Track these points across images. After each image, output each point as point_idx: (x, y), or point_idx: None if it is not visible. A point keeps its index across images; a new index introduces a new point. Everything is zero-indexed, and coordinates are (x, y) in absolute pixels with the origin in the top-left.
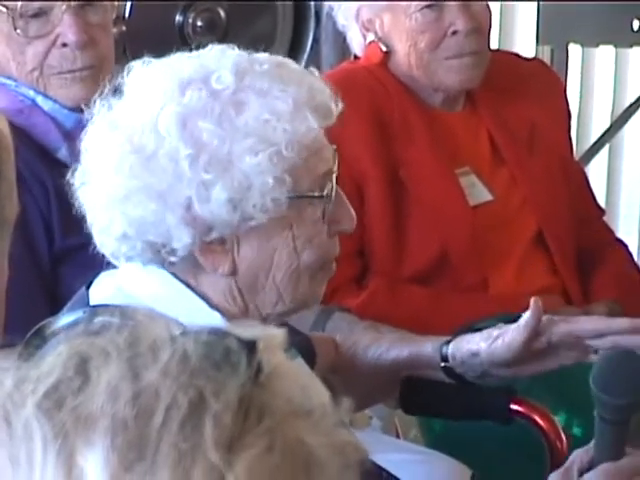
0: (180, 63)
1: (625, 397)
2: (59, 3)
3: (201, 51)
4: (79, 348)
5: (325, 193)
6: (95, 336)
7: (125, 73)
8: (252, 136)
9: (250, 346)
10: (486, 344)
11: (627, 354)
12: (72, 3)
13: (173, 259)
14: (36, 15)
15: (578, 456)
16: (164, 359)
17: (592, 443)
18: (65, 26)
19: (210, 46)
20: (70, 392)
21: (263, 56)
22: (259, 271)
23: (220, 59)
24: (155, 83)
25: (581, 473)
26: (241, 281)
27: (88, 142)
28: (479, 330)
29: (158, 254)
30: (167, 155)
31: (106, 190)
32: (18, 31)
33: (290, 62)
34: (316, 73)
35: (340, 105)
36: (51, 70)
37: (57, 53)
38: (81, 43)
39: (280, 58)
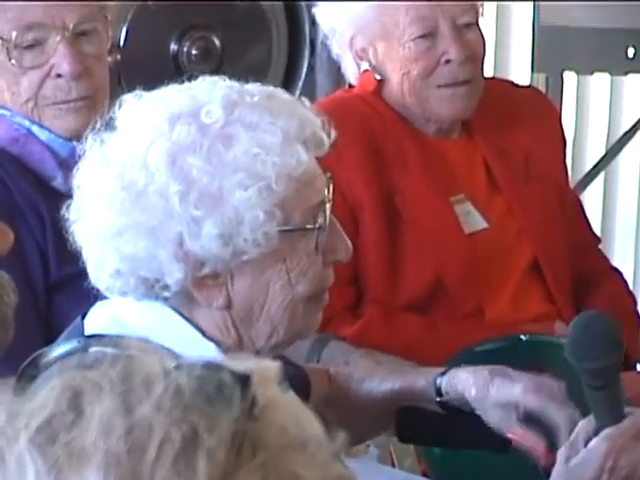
0: (171, 97)
1: (603, 358)
2: (54, 34)
3: (193, 83)
4: (72, 382)
5: (318, 224)
6: (88, 370)
7: (117, 107)
8: (241, 171)
9: (244, 380)
10: (476, 391)
11: (592, 318)
12: (67, 34)
13: (167, 294)
14: (31, 46)
15: (582, 427)
16: (157, 393)
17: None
18: (60, 57)
19: (201, 78)
20: (63, 427)
21: (254, 87)
22: (253, 304)
23: (211, 92)
24: (146, 117)
25: (586, 443)
26: (235, 314)
27: (80, 178)
28: (476, 355)
29: (152, 289)
30: (157, 192)
31: (98, 226)
32: (13, 61)
33: (281, 92)
34: (307, 103)
35: (333, 134)
36: (45, 101)
37: (51, 84)
38: (76, 74)
39: (271, 89)
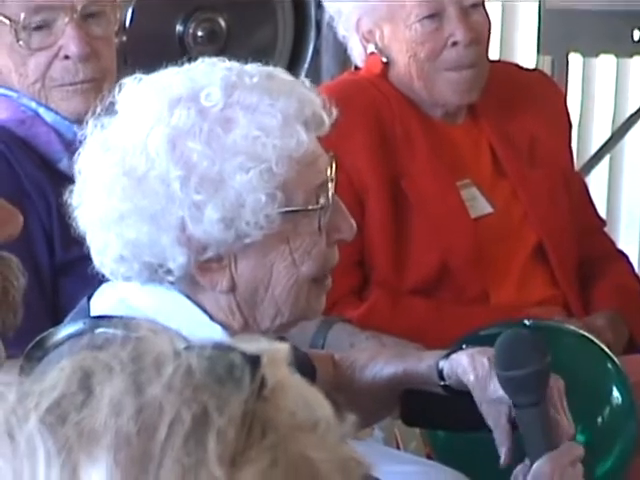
0: (170, 80)
1: (528, 365)
2: (62, 15)
3: (192, 65)
4: (82, 363)
5: (320, 204)
6: (98, 350)
7: (117, 91)
8: (242, 154)
9: (254, 361)
10: (474, 379)
11: (515, 332)
12: (75, 15)
13: (171, 278)
14: (39, 27)
15: (519, 469)
16: (168, 374)
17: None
18: (68, 38)
19: (200, 59)
20: (73, 407)
21: (253, 68)
22: (258, 286)
23: (210, 74)
24: (145, 102)
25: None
26: (240, 296)
27: (82, 163)
28: (481, 340)
29: (155, 274)
30: (158, 177)
31: (100, 212)
32: (21, 43)
33: (280, 72)
34: (307, 83)
35: (334, 113)
36: (53, 82)
37: (59, 65)
38: (83, 56)
39: (270, 69)
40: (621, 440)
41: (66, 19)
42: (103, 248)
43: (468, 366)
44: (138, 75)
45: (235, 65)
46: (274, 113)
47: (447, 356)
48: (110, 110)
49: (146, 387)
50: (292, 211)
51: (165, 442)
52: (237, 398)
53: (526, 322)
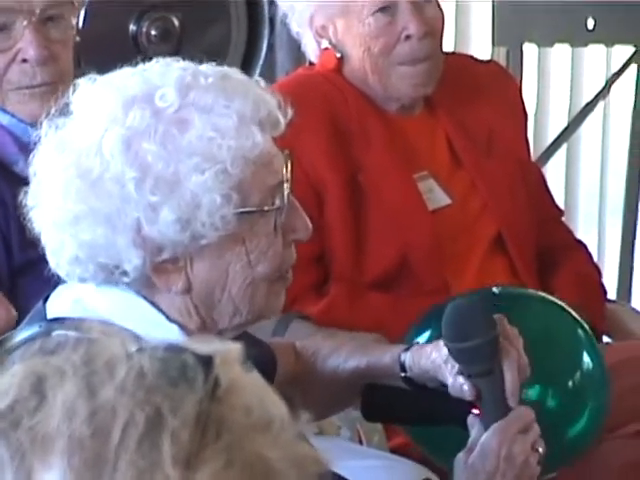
0: (124, 80)
1: (477, 335)
2: (21, 18)
3: (146, 65)
4: (35, 368)
5: (276, 205)
6: (51, 355)
7: (71, 91)
8: (197, 155)
9: (206, 361)
10: (447, 371)
11: (460, 302)
12: (34, 19)
13: (126, 280)
14: None
15: (475, 433)
16: (120, 376)
17: None
18: (26, 42)
19: (155, 59)
20: (26, 412)
21: (208, 68)
22: (214, 286)
23: (164, 74)
24: (100, 102)
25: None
26: (196, 297)
27: (37, 164)
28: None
29: (111, 275)
30: (113, 179)
31: (55, 214)
32: None
33: (235, 73)
34: (262, 83)
35: (289, 112)
36: (10, 85)
37: (17, 68)
38: (41, 59)
39: (225, 69)
40: (592, 404)
41: (24, 22)
42: (58, 249)
43: (430, 352)
44: (92, 75)
45: (190, 65)
46: (229, 114)
47: (408, 349)
48: (65, 111)
49: (99, 390)
50: (248, 212)
51: (119, 445)
52: (191, 399)
53: (495, 290)
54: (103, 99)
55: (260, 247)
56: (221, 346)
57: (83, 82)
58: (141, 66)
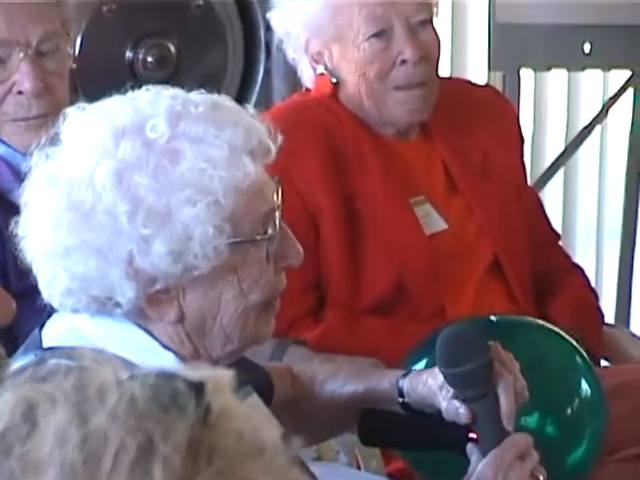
0: (114, 110)
1: (469, 360)
2: (17, 51)
3: (136, 93)
4: (26, 395)
5: (269, 234)
6: (42, 382)
7: (61, 120)
8: (189, 187)
9: (198, 387)
10: (441, 396)
11: (454, 328)
12: (30, 51)
13: (119, 311)
14: None
15: (473, 461)
16: (111, 403)
17: None
18: (22, 74)
19: (144, 88)
20: (18, 439)
21: (198, 96)
22: (206, 316)
23: (154, 103)
24: (90, 133)
25: None
26: (189, 326)
27: (27, 195)
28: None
29: (104, 307)
30: (105, 211)
31: (46, 245)
32: None
33: (226, 101)
34: (251, 111)
35: (279, 139)
36: (6, 117)
37: (13, 100)
38: (37, 92)
39: (215, 97)
40: (591, 430)
41: (21, 54)
42: (50, 281)
43: (426, 379)
44: (81, 104)
45: (180, 93)
46: (220, 144)
47: (406, 374)
48: (55, 140)
49: (90, 417)
50: (240, 242)
51: (111, 472)
52: (182, 425)
53: (492, 318)
54: (93, 129)
55: (252, 276)
56: (213, 373)
57: (72, 111)
58: (130, 94)
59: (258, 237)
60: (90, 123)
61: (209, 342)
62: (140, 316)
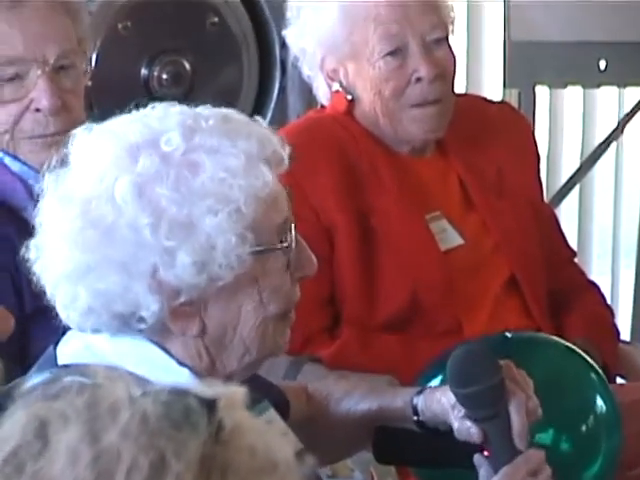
0: (124, 128)
1: (481, 381)
2: (35, 68)
3: (143, 112)
4: (38, 412)
5: (287, 242)
6: (54, 399)
7: (70, 142)
8: (210, 197)
9: (210, 404)
10: (453, 415)
11: (465, 348)
12: (47, 68)
13: (142, 326)
14: (11, 79)
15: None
16: (123, 421)
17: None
18: (39, 91)
19: (150, 105)
20: (30, 457)
21: (206, 111)
22: (227, 327)
23: (164, 119)
24: (101, 152)
25: None
26: (209, 339)
27: (41, 217)
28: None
29: (125, 324)
30: (127, 225)
31: (64, 266)
32: None
33: (234, 113)
34: (261, 122)
35: (288, 149)
36: (23, 134)
37: (30, 117)
38: (54, 109)
39: (224, 111)
40: (606, 447)
41: (38, 72)
42: (70, 301)
43: (440, 397)
44: (89, 125)
45: (187, 109)
46: (237, 154)
47: (421, 392)
48: (65, 162)
49: (102, 435)
50: (262, 250)
51: None
52: (194, 443)
53: (507, 334)
54: (104, 148)
55: (272, 286)
56: (225, 390)
57: (79, 132)
58: (137, 113)
59: (279, 245)
60: (100, 142)
61: (227, 355)
62: (161, 332)
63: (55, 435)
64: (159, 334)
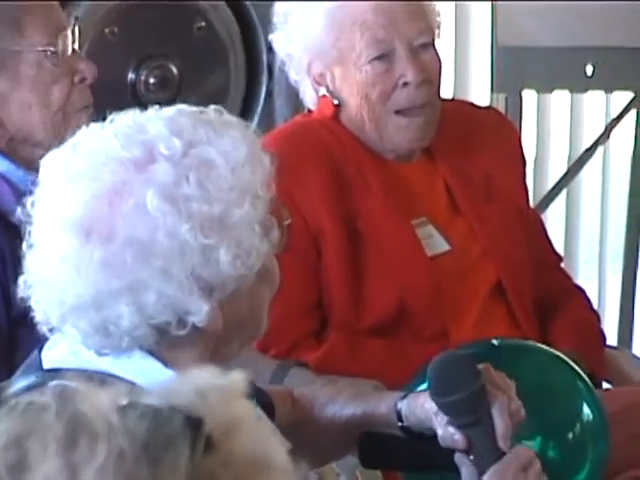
0: (109, 144)
1: (462, 389)
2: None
3: (114, 128)
4: (18, 433)
5: (288, 220)
6: (35, 420)
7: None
8: (233, 188)
9: (196, 425)
10: (436, 422)
11: (443, 358)
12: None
13: (182, 333)
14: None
15: None
16: (101, 458)
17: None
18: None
19: (123, 118)
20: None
21: (172, 111)
22: (245, 316)
23: (150, 128)
24: (101, 174)
25: None
26: (222, 334)
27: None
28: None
29: (164, 335)
30: (166, 234)
31: (94, 291)
32: None
33: (211, 111)
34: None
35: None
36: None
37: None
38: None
39: (192, 108)
40: (593, 454)
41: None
42: (115, 320)
43: (423, 402)
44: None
45: (153, 115)
46: (235, 143)
47: (404, 397)
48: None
49: (80, 471)
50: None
51: None
52: (174, 474)
53: (494, 342)
54: (103, 167)
55: (273, 265)
56: (225, 380)
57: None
58: (109, 129)
59: (284, 223)
60: (97, 172)
61: (232, 343)
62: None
63: (34, 461)
64: (165, 345)
